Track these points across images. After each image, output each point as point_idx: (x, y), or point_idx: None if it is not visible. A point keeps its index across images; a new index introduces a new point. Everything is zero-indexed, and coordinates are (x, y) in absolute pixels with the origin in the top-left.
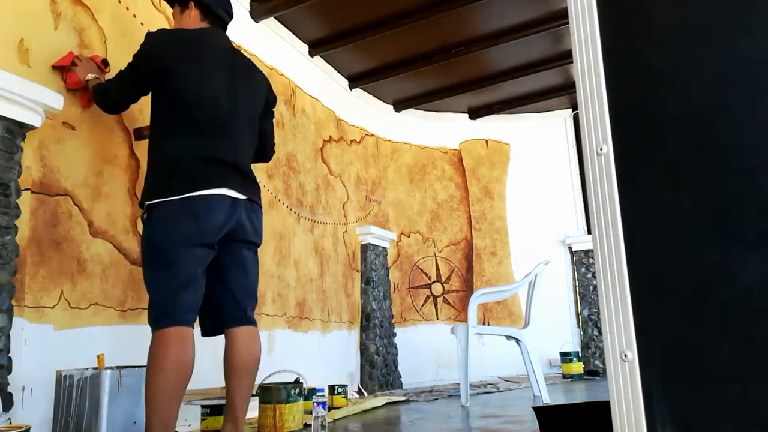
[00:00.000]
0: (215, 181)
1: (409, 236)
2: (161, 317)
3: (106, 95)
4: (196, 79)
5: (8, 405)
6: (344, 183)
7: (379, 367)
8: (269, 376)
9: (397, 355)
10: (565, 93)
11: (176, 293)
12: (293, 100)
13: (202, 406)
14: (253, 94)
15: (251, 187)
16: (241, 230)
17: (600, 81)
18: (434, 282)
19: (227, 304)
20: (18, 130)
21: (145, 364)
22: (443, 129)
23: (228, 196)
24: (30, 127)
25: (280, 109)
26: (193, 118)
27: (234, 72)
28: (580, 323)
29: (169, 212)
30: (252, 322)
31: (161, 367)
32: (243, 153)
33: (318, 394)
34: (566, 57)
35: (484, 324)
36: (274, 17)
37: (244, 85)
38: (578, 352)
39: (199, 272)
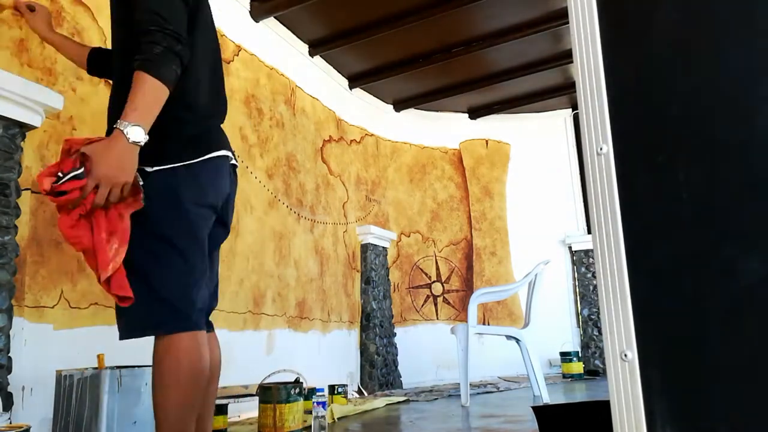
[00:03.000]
0: (220, 143)
1: (409, 236)
2: (174, 319)
3: (179, 59)
4: (205, 31)
5: (8, 405)
6: (344, 183)
7: (379, 366)
8: (269, 376)
9: (397, 355)
10: (565, 93)
11: (192, 288)
12: (293, 100)
13: None
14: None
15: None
16: (225, 213)
17: (600, 81)
18: (434, 282)
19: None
20: (18, 130)
21: (144, 363)
22: (443, 129)
23: (228, 157)
24: (30, 127)
25: (279, 109)
26: (197, 76)
27: (214, 28)
28: (580, 323)
29: (175, 181)
30: (210, 327)
31: (177, 380)
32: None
33: (318, 394)
34: (566, 57)
35: (484, 324)
36: (274, 17)
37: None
38: (578, 352)
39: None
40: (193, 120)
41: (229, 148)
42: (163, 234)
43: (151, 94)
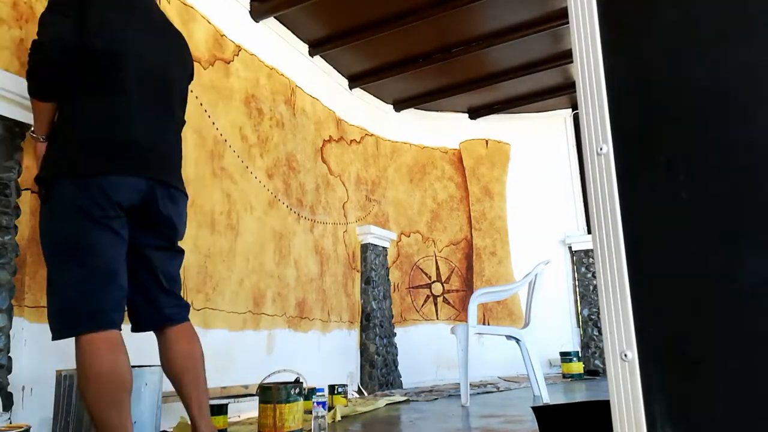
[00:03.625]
0: (130, 167)
1: (409, 236)
2: (82, 320)
3: (41, 68)
4: (116, 25)
5: (8, 405)
6: (344, 183)
7: (379, 366)
8: (269, 375)
9: (397, 355)
10: (565, 93)
11: (94, 292)
12: (293, 99)
13: None
14: (181, 55)
15: (171, 171)
16: (156, 217)
17: (600, 81)
18: (434, 282)
19: (146, 303)
20: (18, 130)
21: (144, 363)
22: (443, 129)
23: (142, 180)
24: (30, 127)
25: (279, 109)
26: (107, 79)
27: (160, 27)
28: (580, 323)
29: (75, 190)
30: (183, 319)
31: (91, 378)
32: (167, 128)
33: (318, 394)
34: (566, 57)
35: (484, 324)
36: (274, 17)
37: (169, 44)
38: (578, 352)
39: (120, 261)
40: (93, 137)
41: (146, 170)
42: (60, 245)
43: (33, 106)
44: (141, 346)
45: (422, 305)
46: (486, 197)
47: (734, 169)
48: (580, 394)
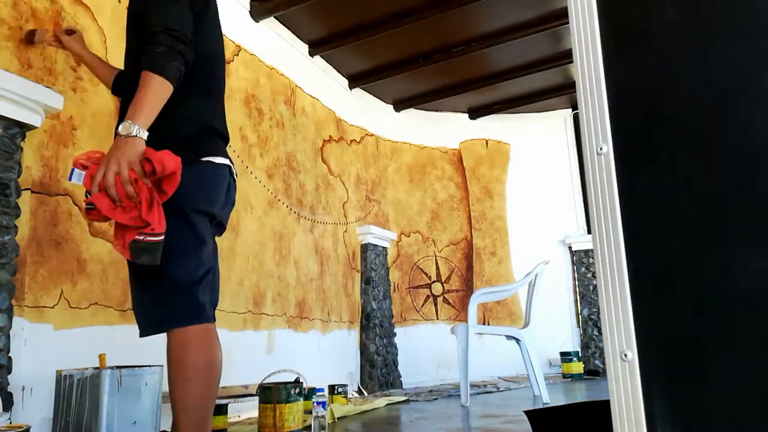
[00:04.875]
0: (219, 150)
1: (409, 236)
2: (187, 313)
3: (182, 57)
4: (214, 26)
5: (8, 405)
6: (344, 183)
7: (379, 366)
8: (269, 376)
9: (397, 355)
10: (565, 93)
11: (202, 281)
12: (293, 99)
13: None
14: None
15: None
16: (226, 213)
17: (600, 81)
18: (434, 282)
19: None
20: (18, 130)
21: (145, 363)
22: (443, 129)
23: (228, 166)
24: (30, 127)
25: (279, 109)
26: (204, 81)
27: (220, 34)
28: (580, 323)
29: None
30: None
31: (196, 373)
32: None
33: (318, 394)
34: (566, 57)
35: (484, 324)
36: (274, 17)
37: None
38: (578, 352)
39: None
40: (193, 125)
41: (227, 156)
42: (170, 234)
43: (154, 91)
44: (141, 346)
45: (422, 305)
46: (486, 197)
47: (734, 169)
48: (580, 394)
